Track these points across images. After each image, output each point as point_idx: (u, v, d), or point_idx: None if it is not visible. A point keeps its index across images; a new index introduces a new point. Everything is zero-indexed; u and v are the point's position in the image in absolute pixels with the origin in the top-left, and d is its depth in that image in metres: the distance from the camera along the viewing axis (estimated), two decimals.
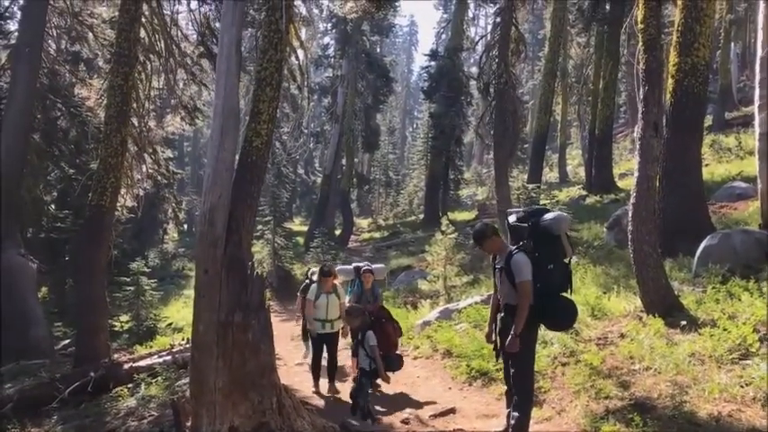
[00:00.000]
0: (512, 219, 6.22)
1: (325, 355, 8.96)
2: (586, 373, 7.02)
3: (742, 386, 5.82)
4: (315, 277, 9.98)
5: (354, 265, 9.80)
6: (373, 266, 9.69)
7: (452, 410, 7.27)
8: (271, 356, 5.87)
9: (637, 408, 5.97)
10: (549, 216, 6.01)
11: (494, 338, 6.12)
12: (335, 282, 8.98)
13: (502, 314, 5.93)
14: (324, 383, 8.99)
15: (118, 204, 13.16)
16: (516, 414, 5.72)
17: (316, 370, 9.04)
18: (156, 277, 19.53)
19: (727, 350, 6.54)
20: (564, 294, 5.82)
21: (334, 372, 8.96)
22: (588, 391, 6.68)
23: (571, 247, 6.06)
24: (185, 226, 39.02)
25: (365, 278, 9.28)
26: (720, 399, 5.74)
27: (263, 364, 5.67)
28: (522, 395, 5.78)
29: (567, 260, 5.90)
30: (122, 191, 13.32)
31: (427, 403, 7.74)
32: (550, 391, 7.17)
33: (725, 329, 6.92)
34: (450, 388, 8.33)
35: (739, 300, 7.81)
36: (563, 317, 5.88)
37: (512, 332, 5.59)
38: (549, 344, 8.38)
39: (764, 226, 10.86)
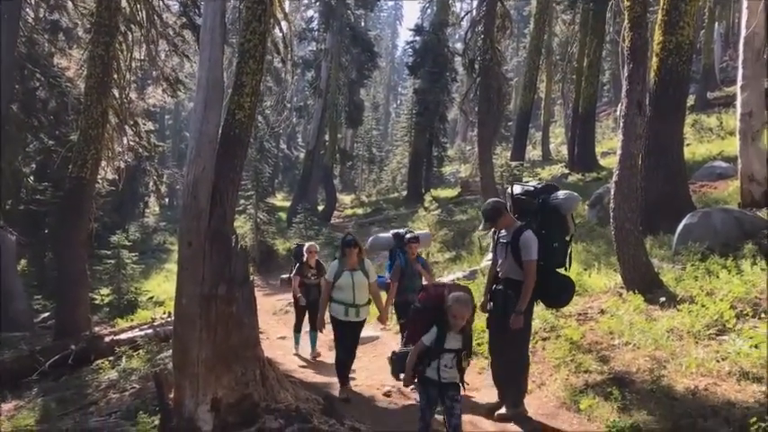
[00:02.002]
0: (517, 189, 6.32)
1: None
2: (567, 348, 7.11)
3: (718, 361, 5.93)
4: (306, 252, 9.59)
5: (394, 231, 8.40)
6: (417, 233, 8.42)
7: None
8: (254, 330, 5.86)
9: (615, 382, 6.07)
10: (560, 195, 6.15)
11: (488, 308, 6.17)
12: (362, 256, 7.30)
13: (500, 287, 6.00)
14: (356, 389, 7.48)
15: (98, 177, 13.03)
16: (511, 385, 6.02)
17: (343, 369, 7.26)
18: (136, 251, 19.44)
19: (704, 326, 6.65)
20: (560, 271, 6.01)
21: (350, 366, 7.44)
22: (568, 366, 6.78)
23: (574, 225, 6.28)
24: (167, 200, 38.71)
25: (411, 249, 7.88)
26: (697, 373, 5.84)
27: (247, 337, 5.66)
28: (519, 366, 6.05)
29: (568, 238, 6.09)
30: (103, 163, 13.19)
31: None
32: (531, 365, 7.22)
33: (703, 306, 7.03)
34: None
35: (717, 277, 7.93)
36: (563, 294, 6.08)
37: (516, 309, 5.72)
38: (533, 319, 8.47)
39: (744, 205, 11.03)
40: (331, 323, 7.31)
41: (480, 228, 6.16)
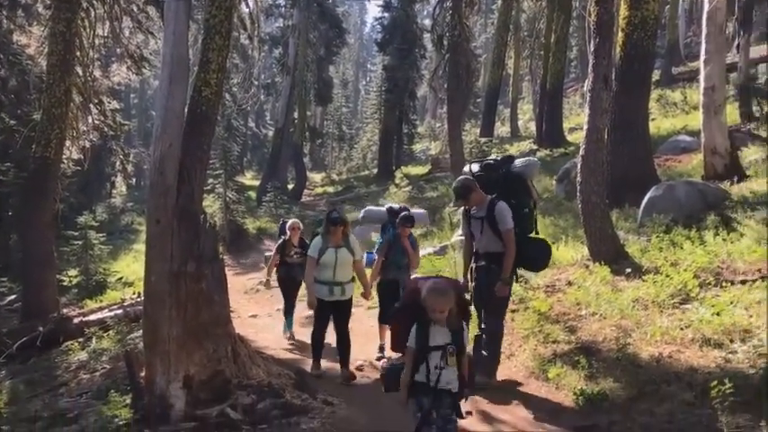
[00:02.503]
0: (475, 167, 6.44)
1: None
2: (535, 319, 7.23)
3: (682, 329, 6.08)
4: (288, 229, 9.15)
5: (388, 206, 8.11)
6: (413, 212, 7.96)
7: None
8: (225, 307, 5.87)
9: (582, 351, 6.20)
10: (519, 162, 6.37)
11: (469, 287, 6.16)
12: (347, 232, 7.01)
13: (482, 263, 6.11)
14: (328, 365, 7.20)
15: (63, 157, 12.79)
16: (485, 353, 6.09)
17: (316, 347, 7.11)
18: (104, 231, 19.17)
19: (668, 295, 6.81)
20: (533, 236, 6.26)
21: (348, 353, 6.98)
22: (537, 336, 6.90)
23: (536, 190, 6.50)
24: (134, 180, 38.20)
25: (403, 231, 7.51)
26: (661, 341, 5.99)
27: (218, 315, 5.66)
28: (495, 336, 6.18)
29: (532, 204, 6.30)
30: (67, 143, 12.93)
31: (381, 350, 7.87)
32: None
33: (667, 276, 7.18)
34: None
35: (681, 248, 8.10)
36: (541, 257, 6.27)
37: (501, 278, 5.90)
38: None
39: (707, 177, 11.25)
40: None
41: (452, 205, 6.20)
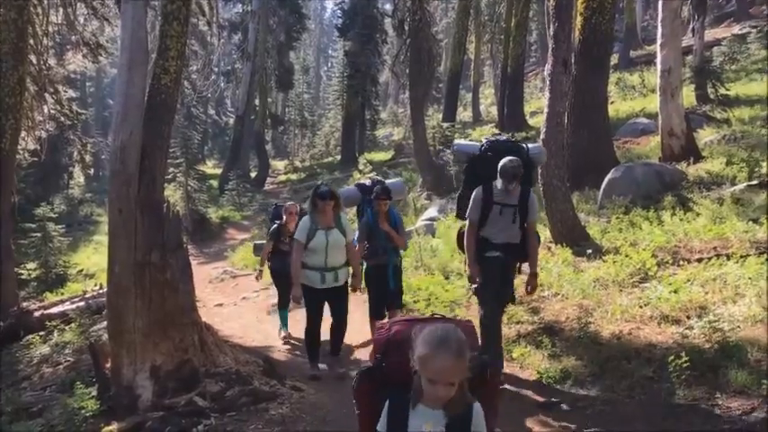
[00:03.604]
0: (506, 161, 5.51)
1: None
2: None
3: (641, 307, 6.26)
4: (285, 213, 8.03)
5: (359, 182, 7.28)
6: (389, 182, 6.98)
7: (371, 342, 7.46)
8: (190, 295, 5.83)
9: (546, 331, 6.33)
10: (532, 147, 6.00)
11: (478, 280, 5.56)
12: (339, 211, 6.22)
13: (497, 253, 5.48)
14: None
15: (19, 147, 12.47)
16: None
17: (312, 344, 6.38)
18: (63, 223, 18.80)
19: (628, 275, 6.99)
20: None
21: (342, 337, 6.45)
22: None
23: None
24: (92, 170, 37.40)
25: (379, 206, 6.50)
26: (621, 319, 6.15)
27: (183, 304, 5.63)
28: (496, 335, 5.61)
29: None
30: (23, 133, 12.60)
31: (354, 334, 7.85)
32: (465, 318, 7.46)
33: (627, 256, 7.36)
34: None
35: (640, 228, 8.31)
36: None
37: (531, 271, 5.58)
38: (464, 275, 8.68)
39: (664, 159, 11.52)
40: (304, 293, 6.15)
41: (507, 187, 5.36)
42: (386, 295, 6.63)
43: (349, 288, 6.43)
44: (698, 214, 8.48)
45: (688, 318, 5.79)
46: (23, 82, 11.62)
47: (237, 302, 11.21)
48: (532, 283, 5.60)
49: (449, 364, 2.04)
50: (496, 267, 5.50)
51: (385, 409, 2.29)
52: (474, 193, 5.55)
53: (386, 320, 3.10)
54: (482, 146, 5.88)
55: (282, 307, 8.27)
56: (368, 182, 6.98)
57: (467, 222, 5.63)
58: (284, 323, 8.31)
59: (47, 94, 13.48)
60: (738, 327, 5.31)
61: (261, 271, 8.54)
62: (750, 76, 20.29)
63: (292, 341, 8.08)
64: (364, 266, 6.66)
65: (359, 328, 7.27)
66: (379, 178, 7.45)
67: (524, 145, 5.95)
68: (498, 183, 5.42)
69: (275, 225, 8.18)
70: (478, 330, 6.21)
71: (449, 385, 2.07)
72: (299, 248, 6.06)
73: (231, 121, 42.65)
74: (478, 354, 2.26)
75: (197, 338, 5.62)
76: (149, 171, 5.78)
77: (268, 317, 9.70)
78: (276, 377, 5.82)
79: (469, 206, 5.58)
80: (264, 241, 8.88)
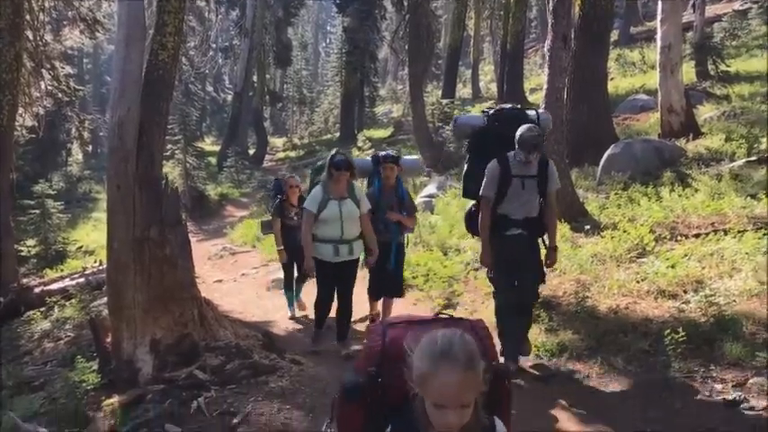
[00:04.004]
0: (532, 113, 5.54)
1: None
2: None
3: (638, 281, 6.30)
4: (286, 187, 7.74)
5: (373, 154, 7.00)
6: (405, 158, 6.83)
7: (371, 316, 7.50)
8: (189, 271, 5.86)
9: (543, 305, 6.35)
10: (543, 113, 5.79)
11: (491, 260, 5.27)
12: (353, 179, 5.98)
13: (518, 231, 5.15)
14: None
15: (16, 124, 12.44)
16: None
17: (320, 317, 6.26)
18: (61, 200, 18.78)
19: (626, 250, 7.02)
20: None
21: (348, 322, 6.34)
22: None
23: None
24: (90, 148, 37.28)
25: (387, 171, 6.22)
26: (618, 294, 6.19)
27: (182, 279, 5.66)
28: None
29: None
30: (20, 110, 12.56)
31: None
32: (464, 294, 7.53)
33: (625, 231, 7.39)
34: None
35: (638, 204, 8.33)
36: None
37: (550, 245, 5.28)
38: (462, 251, 8.74)
39: (663, 135, 11.50)
40: (316, 267, 5.96)
41: (528, 158, 4.96)
42: (383, 277, 6.37)
43: (363, 263, 6.26)
44: (696, 190, 8.49)
45: (685, 292, 5.83)
46: (20, 58, 11.55)
47: (237, 279, 11.26)
48: (552, 258, 5.32)
49: (456, 381, 1.56)
50: (520, 246, 5.15)
51: None
52: (489, 168, 5.11)
53: (378, 321, 2.45)
54: (486, 116, 5.59)
55: (288, 286, 7.96)
56: (383, 153, 6.62)
57: (481, 200, 5.21)
58: (291, 303, 8.02)
59: (44, 71, 13.42)
60: (734, 301, 5.36)
61: (281, 250, 7.71)
62: (751, 53, 20.17)
63: (300, 319, 7.89)
64: None
65: (357, 300, 7.17)
66: (392, 149, 7.02)
67: (533, 111, 5.67)
68: (514, 154, 5.04)
69: (277, 201, 7.85)
70: (493, 325, 6.32)
71: (461, 408, 1.58)
72: (310, 219, 5.80)
73: (229, 97, 42.45)
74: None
75: (196, 313, 5.65)
76: (147, 147, 5.77)
77: (267, 293, 9.75)
78: (276, 351, 5.87)
79: (484, 183, 5.12)
80: (268, 218, 8.63)
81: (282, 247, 7.66)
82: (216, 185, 23.88)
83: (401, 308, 7.08)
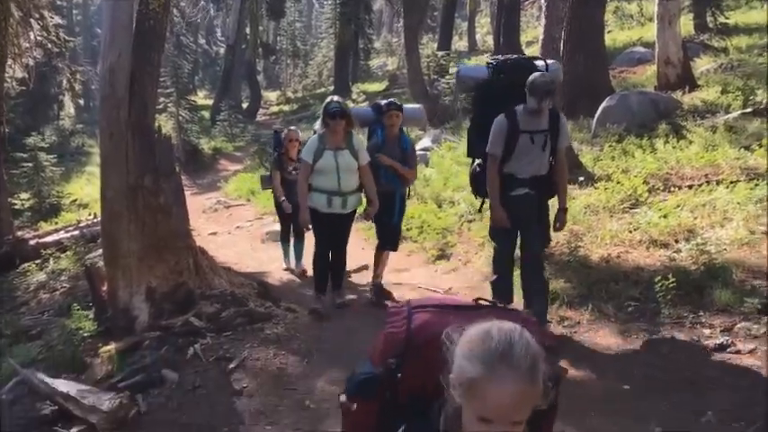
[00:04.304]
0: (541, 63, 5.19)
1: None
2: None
3: (630, 231, 6.35)
4: (285, 140, 7.44)
5: (375, 103, 6.63)
6: (406, 106, 6.34)
7: (365, 267, 7.56)
8: (184, 220, 5.88)
9: None
10: (553, 63, 5.44)
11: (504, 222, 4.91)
12: (350, 128, 5.71)
13: (525, 190, 4.80)
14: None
15: (6, 76, 12.28)
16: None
17: (320, 274, 6.00)
18: (55, 154, 18.65)
19: (619, 201, 7.06)
20: None
21: (342, 272, 6.21)
22: (492, 243, 7.07)
23: None
24: (82, 101, 36.88)
25: (389, 119, 5.90)
26: (611, 243, 6.25)
27: (177, 228, 5.68)
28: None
29: None
30: (9, 61, 12.38)
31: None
32: (457, 245, 7.58)
33: (618, 183, 7.42)
34: (363, 248, 8.59)
35: (633, 156, 8.33)
36: None
37: (561, 207, 5.01)
38: (456, 204, 8.76)
39: (660, 87, 11.43)
40: (310, 217, 5.75)
41: (540, 106, 4.61)
42: (387, 229, 6.18)
43: (362, 215, 6.12)
44: (691, 142, 8.49)
45: (676, 242, 5.88)
46: (7, 7, 11.35)
47: (232, 231, 11.29)
48: (562, 219, 5.03)
49: (514, 393, 1.21)
50: (526, 207, 4.82)
51: None
52: (495, 123, 4.73)
53: (401, 302, 1.68)
54: (491, 68, 5.20)
55: (284, 239, 7.91)
56: (385, 101, 6.24)
57: (488, 158, 4.84)
58: (286, 254, 7.93)
59: (32, 20, 13.16)
60: (725, 249, 5.42)
61: (283, 200, 7.40)
62: (750, 4, 19.92)
63: (295, 276, 7.73)
64: None
65: (351, 252, 7.03)
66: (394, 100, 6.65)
67: (541, 61, 5.31)
68: (522, 108, 4.69)
69: (275, 154, 7.65)
70: (484, 274, 6.37)
71: (510, 426, 1.24)
72: (306, 170, 5.60)
73: (222, 50, 41.85)
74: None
75: (192, 262, 5.69)
76: (139, 95, 5.71)
77: (262, 245, 9.79)
78: (271, 299, 5.94)
79: (490, 139, 4.75)
80: (266, 172, 8.45)
81: (284, 198, 7.39)
82: (209, 139, 23.70)
83: (395, 259, 7.07)
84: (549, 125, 4.75)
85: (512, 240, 5.01)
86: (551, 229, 5.16)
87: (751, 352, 4.09)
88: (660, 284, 4.80)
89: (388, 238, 6.25)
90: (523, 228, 4.90)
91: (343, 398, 1.60)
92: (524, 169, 4.77)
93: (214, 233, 11.24)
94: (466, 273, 6.85)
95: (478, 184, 5.17)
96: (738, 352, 4.13)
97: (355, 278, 7.26)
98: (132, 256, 5.39)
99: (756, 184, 6.56)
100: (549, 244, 5.33)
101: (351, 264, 7.13)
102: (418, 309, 1.55)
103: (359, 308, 6.12)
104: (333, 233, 5.82)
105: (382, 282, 6.39)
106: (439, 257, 7.56)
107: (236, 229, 11.44)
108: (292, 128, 8.34)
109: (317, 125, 5.83)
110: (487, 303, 1.54)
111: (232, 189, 15.87)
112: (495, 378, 1.21)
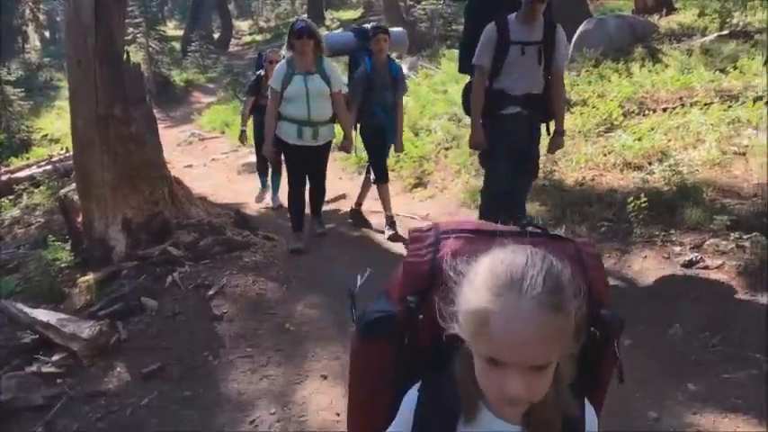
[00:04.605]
0: None
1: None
2: (467, 154, 7.40)
3: (605, 155, 6.39)
4: (266, 62, 6.91)
5: (353, 27, 6.29)
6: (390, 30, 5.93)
7: (343, 196, 7.58)
8: (157, 150, 5.79)
9: None
10: None
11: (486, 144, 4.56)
12: (320, 52, 5.34)
13: (517, 109, 4.40)
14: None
15: None
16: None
17: (295, 210, 5.70)
18: (22, 88, 18.17)
19: (594, 125, 7.09)
20: None
21: (321, 201, 5.98)
22: (468, 170, 7.12)
23: None
24: (48, 33, 35.69)
25: (377, 44, 5.54)
26: (585, 167, 6.30)
27: (150, 158, 5.60)
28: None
29: None
30: None
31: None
32: (434, 173, 7.60)
33: (594, 107, 7.43)
34: (340, 178, 8.59)
35: (609, 81, 8.33)
36: None
37: (557, 129, 4.67)
38: (434, 132, 8.73)
39: (637, 11, 11.34)
40: (282, 150, 5.52)
41: (534, 7, 4.19)
42: (385, 157, 6.02)
43: (339, 148, 5.88)
44: (666, 65, 8.48)
45: (650, 164, 5.94)
46: None
47: (207, 164, 11.19)
48: (558, 143, 4.70)
49: (527, 323, 0.95)
50: (518, 128, 4.44)
51: (408, 404, 1.17)
52: (485, 32, 4.33)
53: (427, 225, 1.31)
54: None
55: (261, 171, 7.51)
56: (368, 26, 5.88)
57: (474, 70, 4.47)
58: (264, 185, 7.58)
59: None
60: (697, 170, 5.49)
61: (243, 131, 7.26)
62: None
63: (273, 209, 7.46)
64: (358, 128, 5.88)
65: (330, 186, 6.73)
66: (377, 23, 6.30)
67: None
68: (515, 15, 4.30)
69: (254, 77, 7.18)
70: (459, 202, 6.38)
71: (529, 371, 0.98)
72: (275, 98, 5.28)
73: None
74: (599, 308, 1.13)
75: (167, 191, 5.64)
76: (105, 22, 5.51)
77: (238, 177, 9.75)
78: (248, 228, 5.94)
79: (477, 49, 4.35)
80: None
81: (246, 128, 7.18)
82: (181, 71, 23.16)
83: (372, 188, 7.00)
84: (544, 37, 4.34)
85: (509, 174, 4.51)
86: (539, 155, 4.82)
87: (719, 267, 4.20)
88: (633, 205, 4.87)
89: (378, 171, 6.02)
90: (514, 156, 4.48)
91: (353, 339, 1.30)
92: (517, 85, 4.36)
93: (189, 166, 11.13)
94: (443, 199, 6.89)
95: (469, 101, 4.65)
96: (707, 267, 4.24)
97: (333, 207, 7.27)
98: (106, 186, 5.33)
99: (730, 106, 6.61)
100: (537, 173, 4.95)
101: (328, 194, 7.14)
102: (448, 234, 1.22)
103: (337, 236, 6.16)
104: (308, 166, 5.56)
105: (362, 209, 6.44)
106: (416, 185, 7.58)
107: (211, 161, 11.34)
108: (274, 48, 8.00)
109: (284, 50, 5.52)
110: (536, 230, 1.22)
111: (206, 121, 15.63)
112: (502, 305, 0.96)
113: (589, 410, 1.16)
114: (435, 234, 1.23)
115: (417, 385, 1.16)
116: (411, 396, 1.16)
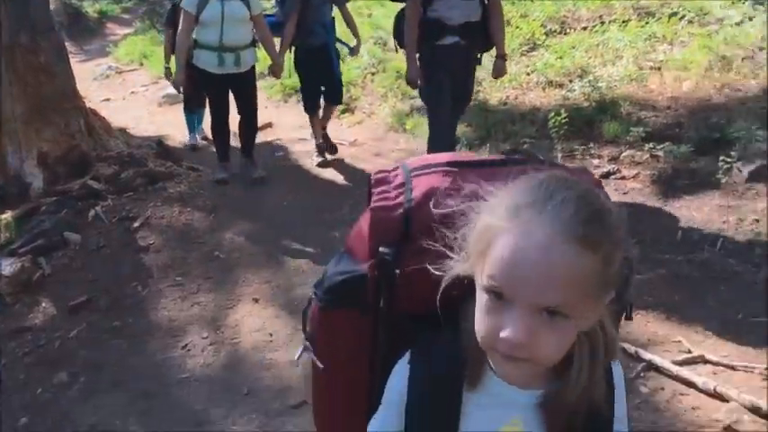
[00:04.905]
0: None
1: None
2: (394, 78, 7.37)
3: (528, 74, 6.49)
4: None
5: None
6: None
7: (270, 125, 7.46)
8: (70, 80, 5.54)
9: None
10: None
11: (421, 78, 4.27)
12: None
13: (455, 39, 4.09)
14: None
15: None
16: None
17: (220, 140, 5.45)
18: None
19: (518, 45, 7.13)
20: None
21: (253, 136, 5.57)
22: (395, 94, 7.11)
23: None
24: None
25: None
26: (509, 87, 6.39)
27: (63, 88, 5.36)
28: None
29: None
30: None
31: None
32: (360, 98, 7.54)
33: (517, 27, 7.45)
34: (266, 107, 8.41)
35: (531, 1, 8.32)
36: None
37: (499, 54, 4.38)
38: (360, 56, 8.60)
39: None
40: (200, 80, 5.19)
41: None
42: (319, 86, 5.59)
43: (267, 73, 5.60)
44: None
45: (570, 81, 6.07)
46: None
47: (126, 97, 10.77)
48: (501, 68, 4.45)
49: (544, 252, 0.74)
50: (455, 59, 4.13)
51: (398, 379, 0.95)
52: None
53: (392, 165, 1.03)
54: None
55: (188, 109, 6.72)
56: None
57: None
58: (191, 128, 6.85)
59: None
60: (615, 85, 5.65)
61: (167, 68, 6.33)
62: None
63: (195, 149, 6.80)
64: (293, 51, 5.46)
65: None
66: None
67: None
68: None
69: (170, 6, 6.53)
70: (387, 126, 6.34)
71: (538, 314, 0.76)
72: (189, 20, 4.88)
73: None
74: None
75: (83, 123, 5.43)
76: None
77: (159, 109, 9.45)
78: (172, 159, 5.80)
79: None
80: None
81: (169, 65, 6.26)
82: (93, 2, 21.93)
83: (299, 115, 6.88)
84: None
85: (449, 107, 4.30)
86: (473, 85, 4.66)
87: (634, 177, 4.40)
88: (554, 121, 4.99)
89: (331, 93, 5.73)
90: (459, 90, 4.29)
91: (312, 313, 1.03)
92: (453, 13, 4.03)
93: (107, 99, 10.68)
94: (371, 125, 6.87)
95: (401, 32, 4.26)
96: (623, 177, 4.43)
97: (260, 137, 7.15)
98: (17, 119, 5.10)
99: (647, 23, 6.75)
100: (469, 101, 4.73)
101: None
102: (419, 171, 0.99)
103: (265, 165, 6.04)
104: (236, 97, 5.26)
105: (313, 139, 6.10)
106: (343, 111, 7.50)
107: (130, 94, 10.91)
108: None
109: None
110: (522, 158, 1.01)
111: (123, 53, 14.92)
112: (516, 223, 0.76)
113: (617, 369, 0.93)
114: (405, 172, 1.00)
115: (406, 357, 0.94)
116: (400, 371, 0.94)
